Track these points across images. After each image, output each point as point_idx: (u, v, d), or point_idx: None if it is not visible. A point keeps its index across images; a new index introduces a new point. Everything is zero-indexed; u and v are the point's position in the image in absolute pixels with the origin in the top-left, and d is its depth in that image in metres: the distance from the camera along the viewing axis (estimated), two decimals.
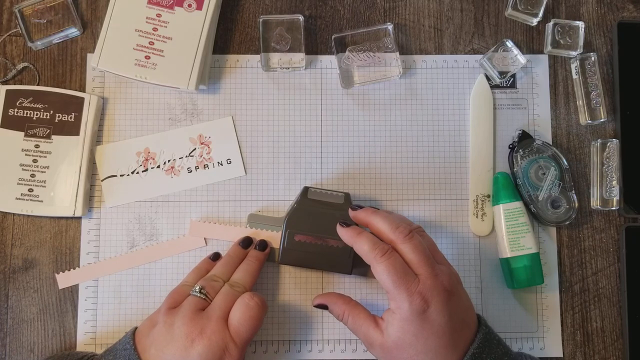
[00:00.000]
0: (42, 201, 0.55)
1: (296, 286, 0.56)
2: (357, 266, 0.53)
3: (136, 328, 0.50)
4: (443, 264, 0.49)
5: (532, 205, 0.56)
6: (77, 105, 0.56)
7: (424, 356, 0.46)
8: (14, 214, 0.56)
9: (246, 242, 0.54)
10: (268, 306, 0.54)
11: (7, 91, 0.56)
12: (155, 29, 0.56)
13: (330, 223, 0.52)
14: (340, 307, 0.50)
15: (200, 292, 0.49)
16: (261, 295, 0.50)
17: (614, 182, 0.57)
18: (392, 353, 0.46)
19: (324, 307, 0.51)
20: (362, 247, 0.48)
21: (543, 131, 0.59)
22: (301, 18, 0.58)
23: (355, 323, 0.49)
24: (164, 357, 0.46)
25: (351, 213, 0.52)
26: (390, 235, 0.48)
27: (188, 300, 0.49)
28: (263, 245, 0.54)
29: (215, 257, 0.55)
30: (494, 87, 0.60)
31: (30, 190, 0.55)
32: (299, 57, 0.58)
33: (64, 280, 0.55)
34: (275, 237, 0.55)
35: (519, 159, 0.57)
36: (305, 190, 0.55)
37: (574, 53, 0.59)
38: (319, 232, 0.53)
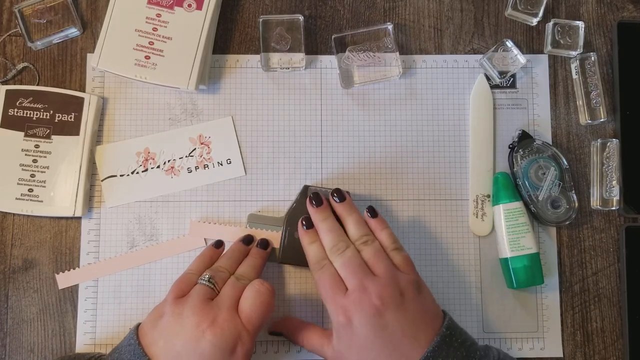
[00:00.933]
0: (42, 201, 0.55)
1: (296, 286, 0.56)
2: None
3: (139, 324, 0.49)
4: (383, 276, 0.47)
5: (532, 205, 0.56)
6: (77, 105, 0.56)
7: None
8: (14, 214, 0.56)
9: (248, 239, 0.54)
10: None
11: (7, 91, 0.56)
12: (155, 29, 0.56)
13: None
14: (289, 329, 0.52)
15: (209, 281, 0.49)
16: (247, 273, 0.50)
17: (614, 182, 0.57)
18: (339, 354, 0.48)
19: (278, 334, 0.53)
20: (309, 257, 0.51)
21: (543, 131, 0.59)
22: (301, 18, 0.58)
23: (309, 342, 0.51)
24: (174, 348, 0.45)
25: (302, 230, 0.52)
26: (327, 251, 0.50)
27: (196, 289, 0.48)
28: (264, 243, 0.55)
29: (219, 244, 0.55)
30: (494, 87, 0.60)
31: (30, 190, 0.55)
32: (299, 57, 0.58)
33: (63, 280, 0.55)
34: (275, 237, 0.55)
35: (519, 159, 0.57)
36: (305, 189, 0.55)
37: (574, 53, 0.59)
38: None
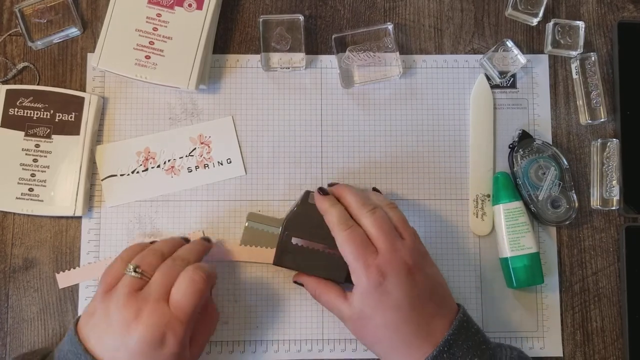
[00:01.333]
0: (42, 201, 0.55)
1: (295, 286, 0.56)
2: (349, 277, 0.51)
3: (78, 318, 0.46)
4: (409, 240, 0.49)
5: (532, 205, 0.56)
6: (77, 104, 0.56)
7: (384, 329, 0.46)
8: (14, 214, 0.57)
9: (186, 239, 0.53)
10: (217, 276, 0.50)
11: (8, 91, 0.56)
12: (155, 29, 0.56)
13: (330, 231, 0.50)
14: (311, 284, 0.52)
15: (134, 270, 0.45)
16: (207, 266, 0.47)
17: (614, 182, 0.57)
18: (358, 325, 0.48)
19: (301, 284, 0.53)
20: (331, 218, 0.50)
21: (543, 131, 0.59)
22: (301, 18, 0.58)
23: (325, 299, 0.50)
24: (104, 346, 0.43)
25: (320, 194, 0.52)
26: (355, 210, 0.49)
27: (121, 281, 0.45)
28: (208, 240, 0.54)
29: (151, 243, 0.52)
30: (494, 87, 0.60)
31: (31, 189, 0.55)
32: (299, 57, 0.58)
33: (64, 280, 0.55)
34: (272, 238, 0.55)
35: (519, 159, 0.57)
36: (307, 194, 0.54)
37: (574, 53, 0.59)
38: (317, 237, 0.52)
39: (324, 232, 0.51)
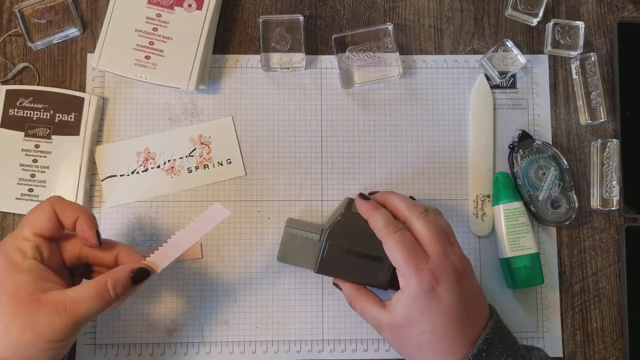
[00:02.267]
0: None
1: (296, 286, 0.56)
2: (393, 283, 0.50)
3: None
4: (457, 247, 0.49)
5: (532, 205, 0.56)
6: (77, 105, 0.56)
7: (430, 335, 0.45)
8: (14, 214, 0.56)
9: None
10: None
11: (7, 91, 0.56)
12: (155, 29, 0.56)
13: (373, 238, 0.49)
14: (349, 290, 0.51)
15: None
16: None
17: (614, 182, 0.57)
18: (400, 332, 0.46)
19: (340, 289, 0.53)
20: (377, 221, 0.48)
21: (543, 131, 0.59)
22: (301, 18, 0.58)
23: (362, 306, 0.49)
24: None
25: (362, 200, 0.51)
26: (405, 211, 0.48)
27: None
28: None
29: None
30: (494, 87, 0.60)
31: (31, 190, 0.55)
32: (299, 57, 0.58)
33: None
34: (310, 243, 0.53)
35: (519, 159, 0.57)
36: (349, 201, 0.53)
37: (574, 53, 0.59)
38: (360, 246, 0.51)
39: (366, 241, 0.50)
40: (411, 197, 0.55)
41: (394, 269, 0.48)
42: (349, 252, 0.51)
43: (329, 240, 0.52)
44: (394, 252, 0.47)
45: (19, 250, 0.43)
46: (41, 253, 0.43)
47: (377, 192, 0.53)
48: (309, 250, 0.53)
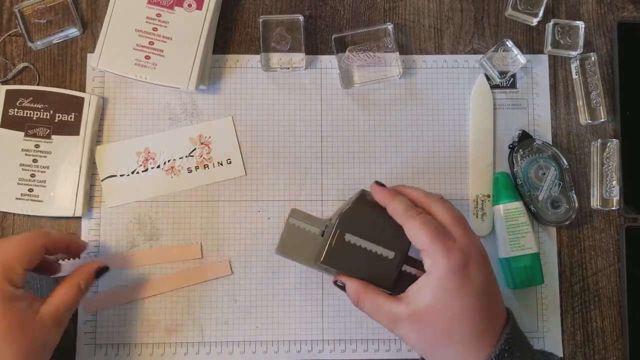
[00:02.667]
0: (42, 201, 0.55)
1: (296, 286, 0.56)
2: (398, 285, 0.48)
3: None
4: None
5: (532, 205, 0.56)
6: (77, 105, 0.56)
7: (460, 318, 0.43)
8: (14, 214, 0.56)
9: None
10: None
11: (7, 91, 0.56)
12: (155, 29, 0.56)
13: (384, 231, 0.48)
14: (354, 287, 0.47)
15: None
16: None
17: (614, 182, 0.57)
18: (424, 321, 0.43)
19: (341, 286, 0.48)
20: (398, 206, 0.46)
21: (543, 131, 0.59)
22: (301, 18, 0.58)
23: (373, 302, 0.46)
24: None
25: (379, 187, 0.49)
26: (424, 199, 0.47)
27: None
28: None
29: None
30: (494, 87, 0.60)
31: (30, 190, 0.55)
32: (299, 57, 0.58)
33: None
34: (312, 237, 0.50)
35: (519, 159, 0.57)
36: (362, 193, 0.51)
37: (574, 53, 0.59)
38: (371, 238, 0.48)
39: (378, 233, 0.48)
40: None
41: (401, 271, 0.47)
42: (357, 245, 0.48)
43: (339, 227, 0.48)
44: (419, 232, 0.44)
45: (10, 282, 0.45)
46: (26, 279, 0.47)
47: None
48: (309, 245, 0.50)
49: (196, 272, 0.56)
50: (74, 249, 0.52)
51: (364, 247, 0.48)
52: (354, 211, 0.49)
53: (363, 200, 0.50)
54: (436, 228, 0.44)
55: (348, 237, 0.48)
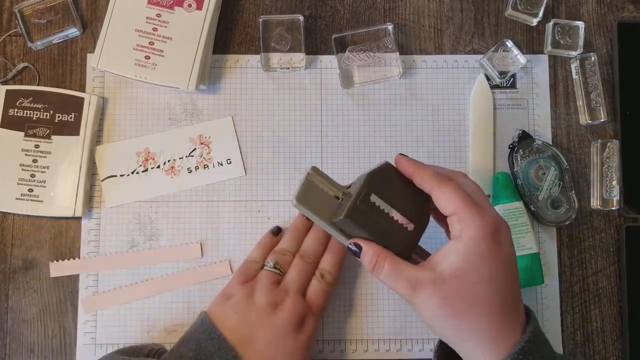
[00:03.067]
0: (42, 201, 0.55)
1: None
2: (414, 253, 0.47)
3: (205, 313, 0.49)
4: None
5: (532, 205, 0.56)
6: (77, 105, 0.56)
7: (489, 286, 0.41)
8: (14, 214, 0.56)
9: (277, 230, 0.56)
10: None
11: (7, 91, 0.56)
12: (155, 29, 0.56)
13: (407, 201, 0.46)
14: (374, 249, 0.45)
15: (274, 267, 0.51)
16: (333, 271, 0.52)
17: (614, 182, 0.57)
18: (447, 286, 0.41)
19: (356, 251, 0.46)
20: (425, 174, 0.44)
21: (543, 131, 0.59)
22: (301, 18, 0.58)
23: (392, 268, 0.43)
24: (247, 320, 0.48)
25: (406, 157, 0.47)
26: (449, 172, 0.46)
27: (263, 274, 0.51)
28: (278, 228, 0.56)
29: (278, 230, 0.56)
30: (494, 87, 0.60)
31: (30, 190, 0.55)
32: (299, 57, 0.58)
33: (57, 269, 0.55)
34: (327, 199, 0.48)
35: (519, 159, 0.57)
36: (386, 163, 0.48)
37: (574, 53, 0.59)
38: (395, 202, 0.46)
39: (402, 201, 0.46)
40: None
41: (418, 245, 0.46)
42: (380, 209, 0.46)
43: (367, 186, 0.46)
44: (452, 197, 0.42)
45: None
46: None
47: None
48: (325, 204, 0.48)
49: (196, 272, 0.56)
50: None
51: (387, 212, 0.46)
52: (382, 174, 0.47)
53: (389, 166, 0.48)
54: (466, 195, 0.43)
55: (374, 197, 0.46)
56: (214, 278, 0.56)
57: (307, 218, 0.53)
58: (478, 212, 0.42)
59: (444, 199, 0.43)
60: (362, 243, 0.45)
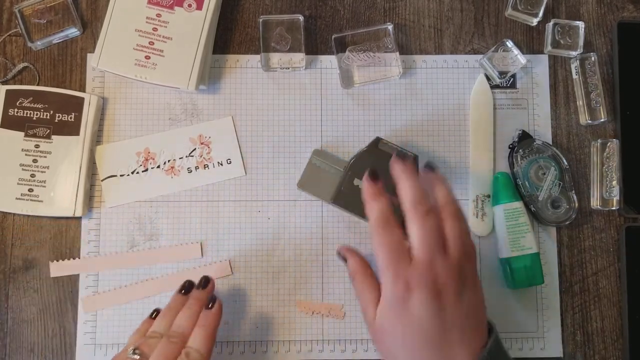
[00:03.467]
0: (42, 201, 0.55)
1: (296, 286, 0.56)
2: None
3: None
4: (454, 258, 0.44)
5: (532, 205, 0.56)
6: (77, 105, 0.56)
7: (402, 349, 0.43)
8: (14, 214, 0.56)
9: (188, 287, 0.50)
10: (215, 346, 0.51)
11: (7, 91, 0.56)
12: (155, 29, 0.56)
13: (389, 181, 0.47)
14: (353, 266, 0.47)
15: (134, 352, 0.45)
16: (202, 347, 0.46)
17: (614, 182, 0.57)
18: (377, 336, 0.45)
19: (344, 258, 0.49)
20: (371, 212, 0.45)
21: (543, 131, 0.59)
22: (301, 18, 0.58)
23: (359, 291, 0.46)
24: None
25: (393, 162, 0.47)
26: (407, 206, 0.44)
27: None
28: (205, 281, 0.50)
29: (156, 313, 0.51)
30: (494, 87, 0.60)
31: (30, 190, 0.55)
32: (299, 57, 0.58)
33: (57, 269, 0.55)
34: (332, 177, 0.55)
35: (519, 159, 0.57)
36: (377, 140, 0.54)
37: (574, 53, 0.59)
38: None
39: (386, 179, 0.47)
40: (429, 165, 0.48)
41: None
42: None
43: (349, 171, 0.53)
44: (377, 250, 0.44)
45: None
46: None
47: (406, 156, 0.49)
48: (328, 183, 0.55)
49: (196, 272, 0.56)
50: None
51: None
52: (366, 156, 0.54)
53: (375, 148, 0.52)
54: (393, 250, 0.43)
55: (357, 181, 0.53)
56: (214, 278, 0.56)
57: (183, 294, 0.50)
58: (393, 274, 0.43)
59: (373, 249, 0.44)
60: (347, 255, 0.49)
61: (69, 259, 0.56)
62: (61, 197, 0.55)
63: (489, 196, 0.58)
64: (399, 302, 0.43)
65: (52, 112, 0.56)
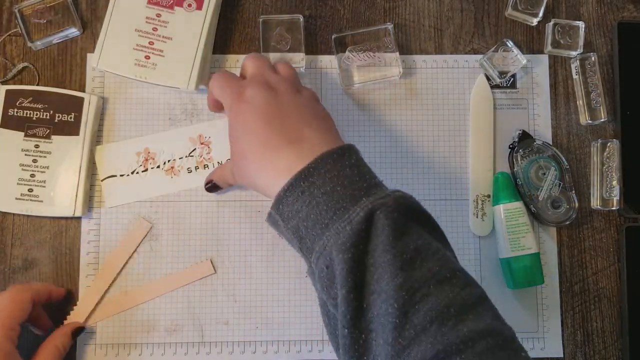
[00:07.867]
0: (42, 201, 0.55)
1: (296, 286, 0.56)
2: None
3: None
4: (283, 74, 0.49)
5: (532, 205, 0.56)
6: (77, 105, 0.56)
7: (250, 137, 0.45)
8: (13, 214, 0.56)
9: None
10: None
11: (7, 91, 0.56)
12: (155, 29, 0.56)
13: None
14: (216, 175, 0.55)
15: None
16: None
17: (614, 182, 0.57)
18: (235, 160, 0.48)
19: (214, 187, 0.55)
20: (213, 87, 0.50)
21: (543, 131, 0.59)
22: (301, 18, 0.58)
23: (221, 174, 0.54)
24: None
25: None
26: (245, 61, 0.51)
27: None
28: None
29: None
30: (494, 87, 0.60)
31: (30, 190, 0.55)
32: (299, 57, 0.58)
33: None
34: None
35: (519, 159, 0.57)
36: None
37: (574, 53, 0.59)
38: None
39: None
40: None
41: None
42: None
43: None
44: (213, 85, 0.49)
45: (11, 341, 0.46)
46: (12, 338, 0.47)
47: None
48: None
49: (179, 276, 0.56)
50: (55, 295, 0.53)
51: None
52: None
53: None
54: (227, 77, 0.49)
55: None
56: (198, 279, 0.56)
57: None
58: (230, 89, 0.48)
59: (210, 91, 0.50)
60: (211, 178, 0.56)
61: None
62: (61, 197, 0.55)
63: (489, 196, 0.58)
64: (237, 99, 0.47)
65: (52, 112, 0.56)
